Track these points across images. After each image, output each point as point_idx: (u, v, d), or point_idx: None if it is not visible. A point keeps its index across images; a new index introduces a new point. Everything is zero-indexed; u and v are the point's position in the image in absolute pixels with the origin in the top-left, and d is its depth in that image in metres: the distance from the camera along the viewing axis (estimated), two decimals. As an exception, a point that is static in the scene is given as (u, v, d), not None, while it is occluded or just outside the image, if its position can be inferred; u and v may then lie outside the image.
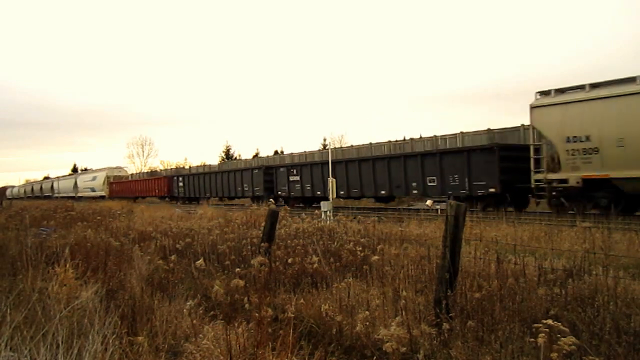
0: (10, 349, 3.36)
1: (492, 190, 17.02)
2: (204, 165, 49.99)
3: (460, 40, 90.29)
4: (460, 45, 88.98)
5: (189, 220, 12.96)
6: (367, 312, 4.24)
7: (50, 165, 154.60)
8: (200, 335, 3.91)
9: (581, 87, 14.79)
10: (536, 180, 15.57)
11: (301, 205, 25.13)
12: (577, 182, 14.46)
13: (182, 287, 5.89)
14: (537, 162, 15.62)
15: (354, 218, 11.18)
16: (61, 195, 56.64)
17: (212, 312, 4.69)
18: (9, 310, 3.88)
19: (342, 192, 23.19)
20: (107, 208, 20.72)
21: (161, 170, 61.20)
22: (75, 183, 59.54)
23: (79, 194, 55.73)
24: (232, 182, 31.79)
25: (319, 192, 23.95)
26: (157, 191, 42.16)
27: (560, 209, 15.13)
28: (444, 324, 3.80)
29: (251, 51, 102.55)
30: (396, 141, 29.11)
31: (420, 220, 13.11)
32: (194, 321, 4.31)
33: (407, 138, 29.49)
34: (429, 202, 18.21)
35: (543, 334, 2.85)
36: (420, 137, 27.98)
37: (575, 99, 14.76)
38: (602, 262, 4.73)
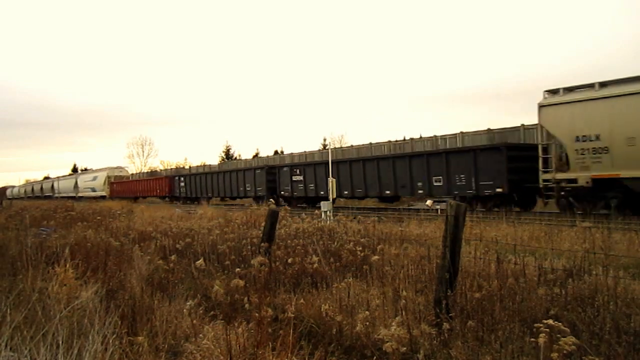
0: (10, 349, 3.36)
1: (499, 190, 16.84)
2: (205, 165, 50.02)
3: (460, 40, 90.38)
4: (461, 46, 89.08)
5: (189, 220, 12.96)
6: (367, 312, 4.24)
7: (51, 165, 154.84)
8: (200, 335, 3.91)
9: (590, 86, 14.54)
10: (544, 180, 15.29)
11: (304, 205, 25.11)
12: (587, 182, 14.17)
13: (182, 287, 5.89)
14: (546, 161, 15.35)
15: (354, 218, 11.17)
16: (61, 195, 56.57)
17: (212, 312, 4.69)
18: (9, 310, 3.88)
19: (346, 192, 23.17)
20: (107, 208, 20.75)
21: (161, 170, 61.27)
22: (76, 183, 59.53)
23: (80, 194, 55.72)
24: (234, 182, 31.76)
25: (322, 192, 23.87)
26: (158, 191, 42.18)
27: (569, 210, 14.78)
28: (444, 324, 3.80)
29: (251, 51, 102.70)
30: (396, 141, 29.17)
31: (420, 220, 13.11)
32: (194, 321, 4.31)
33: (407, 138, 29.57)
34: (429, 202, 18.21)
35: (543, 334, 2.86)
36: (421, 137, 28.06)
37: (584, 97, 14.47)
38: (602, 262, 4.72)
